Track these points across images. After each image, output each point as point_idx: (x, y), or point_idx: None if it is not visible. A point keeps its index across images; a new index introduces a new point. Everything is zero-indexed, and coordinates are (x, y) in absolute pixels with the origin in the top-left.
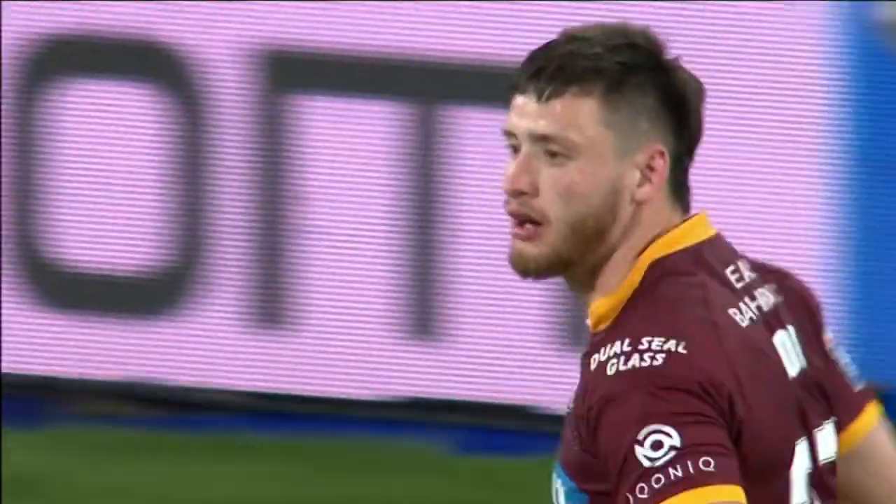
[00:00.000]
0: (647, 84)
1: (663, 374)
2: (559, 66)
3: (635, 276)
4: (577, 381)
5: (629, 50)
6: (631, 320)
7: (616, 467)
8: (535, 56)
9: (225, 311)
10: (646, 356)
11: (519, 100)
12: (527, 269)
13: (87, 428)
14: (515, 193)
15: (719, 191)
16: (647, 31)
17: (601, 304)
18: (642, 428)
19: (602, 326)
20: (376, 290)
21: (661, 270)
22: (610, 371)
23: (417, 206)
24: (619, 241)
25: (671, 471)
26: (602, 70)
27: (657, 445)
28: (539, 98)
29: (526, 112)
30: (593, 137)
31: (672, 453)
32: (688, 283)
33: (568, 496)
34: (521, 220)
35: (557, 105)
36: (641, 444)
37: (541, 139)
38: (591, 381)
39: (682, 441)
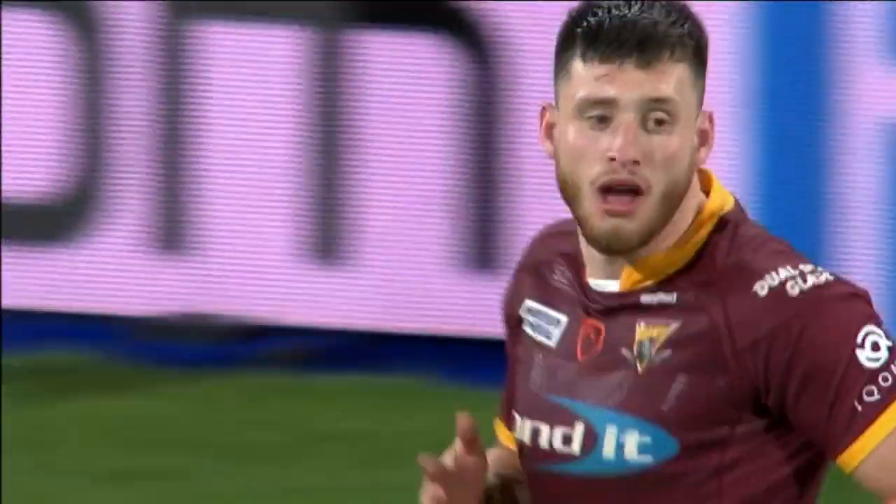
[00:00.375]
0: (705, 52)
1: (842, 285)
2: (657, 35)
3: (705, 228)
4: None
5: (691, 19)
6: (755, 253)
7: (832, 382)
8: (616, 26)
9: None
10: (816, 275)
11: (611, 68)
12: (625, 245)
13: None
14: (631, 163)
15: None
16: (682, 3)
17: (667, 254)
18: (857, 333)
19: (660, 276)
20: (279, 214)
21: (732, 219)
22: (793, 292)
23: (320, 131)
24: (682, 205)
25: (895, 368)
26: (688, 37)
27: (875, 346)
28: (646, 65)
29: (630, 80)
30: (688, 103)
31: (889, 351)
32: (761, 228)
33: (650, 447)
34: (623, 189)
35: (663, 71)
36: (862, 348)
37: (651, 106)
38: (761, 308)
39: (889, 338)
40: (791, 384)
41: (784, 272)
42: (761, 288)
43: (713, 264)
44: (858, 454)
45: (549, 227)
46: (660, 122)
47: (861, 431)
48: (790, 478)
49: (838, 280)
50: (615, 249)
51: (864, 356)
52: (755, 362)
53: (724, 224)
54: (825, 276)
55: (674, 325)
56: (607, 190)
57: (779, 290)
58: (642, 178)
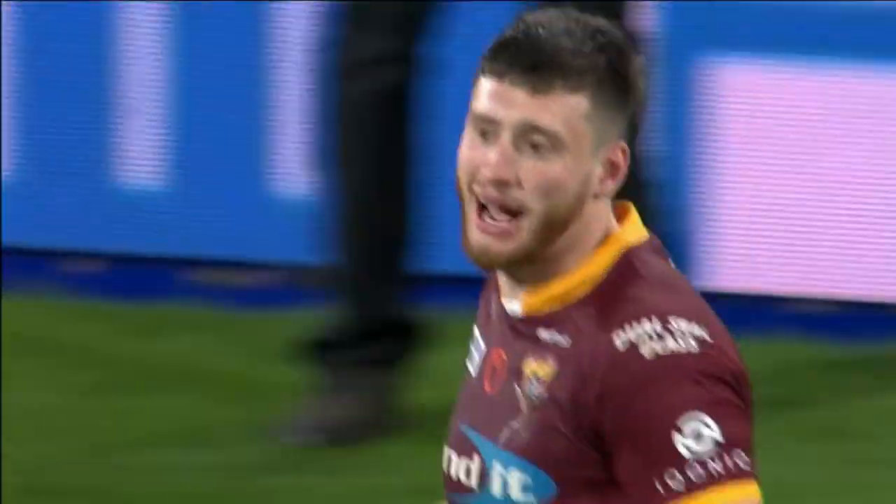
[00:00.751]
0: (624, 85)
1: (702, 361)
2: (554, 61)
3: (604, 258)
4: (534, 357)
5: (614, 49)
6: (635, 297)
7: (644, 450)
8: (518, 44)
9: None
10: (680, 340)
11: (500, 87)
12: (492, 264)
13: None
14: (500, 183)
15: None
16: (620, 30)
17: (564, 282)
18: (684, 415)
19: (556, 305)
20: None
21: (635, 254)
22: (645, 352)
23: None
24: (577, 233)
25: (711, 465)
26: (594, 68)
27: (698, 436)
28: (532, 90)
29: (514, 102)
30: (579, 133)
31: (712, 447)
32: (668, 268)
33: (531, 488)
34: (497, 207)
35: (549, 99)
36: (681, 432)
37: (529, 131)
38: (613, 359)
39: (722, 434)
40: (615, 442)
41: (647, 326)
42: (620, 338)
43: (603, 297)
44: None
45: None
46: (536, 147)
47: None
48: None
49: (702, 353)
50: (485, 266)
51: (681, 441)
52: (600, 412)
53: (628, 255)
54: (688, 344)
55: (555, 366)
56: (484, 206)
57: (631, 347)
58: (517, 198)
